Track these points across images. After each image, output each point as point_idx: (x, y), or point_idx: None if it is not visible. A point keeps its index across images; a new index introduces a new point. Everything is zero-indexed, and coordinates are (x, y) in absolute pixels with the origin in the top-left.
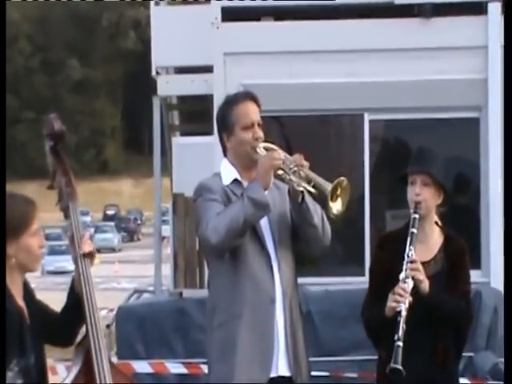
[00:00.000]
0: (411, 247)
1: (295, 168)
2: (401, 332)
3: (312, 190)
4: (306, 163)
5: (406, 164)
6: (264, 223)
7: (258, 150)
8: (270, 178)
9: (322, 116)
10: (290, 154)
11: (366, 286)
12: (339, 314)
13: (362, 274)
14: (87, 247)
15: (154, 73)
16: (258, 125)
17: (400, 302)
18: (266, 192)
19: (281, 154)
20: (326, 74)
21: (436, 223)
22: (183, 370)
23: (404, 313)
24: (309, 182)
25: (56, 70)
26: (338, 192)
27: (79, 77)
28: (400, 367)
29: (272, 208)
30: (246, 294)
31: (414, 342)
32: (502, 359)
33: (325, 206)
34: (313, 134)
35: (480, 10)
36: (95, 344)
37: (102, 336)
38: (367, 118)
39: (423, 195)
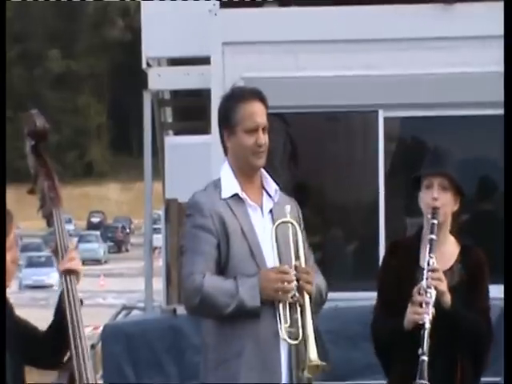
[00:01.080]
0: (431, 255)
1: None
2: (426, 346)
3: (291, 342)
4: (311, 289)
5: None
6: (271, 248)
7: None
8: (272, 297)
9: (331, 113)
10: (295, 158)
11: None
12: (350, 333)
13: (373, 290)
14: (72, 263)
15: (144, 65)
16: (264, 129)
17: (422, 313)
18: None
19: (292, 282)
20: (337, 66)
21: (450, 232)
22: None
23: (428, 325)
24: (301, 311)
25: (35, 63)
26: (315, 369)
27: (61, 70)
28: (427, 383)
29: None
30: (245, 328)
31: (430, 360)
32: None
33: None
34: (321, 133)
35: None
36: (80, 367)
37: (88, 358)
38: (382, 115)
39: (441, 200)
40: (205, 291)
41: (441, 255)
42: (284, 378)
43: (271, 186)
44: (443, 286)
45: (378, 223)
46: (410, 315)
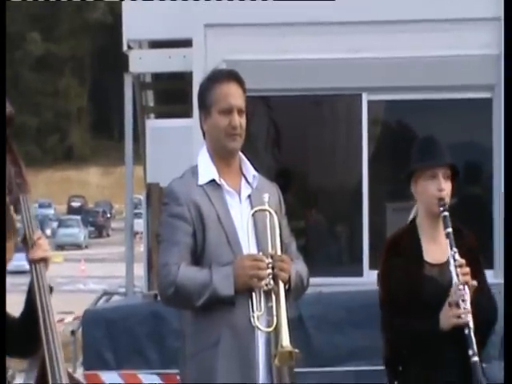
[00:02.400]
0: (454, 249)
1: (270, 278)
2: (474, 346)
3: (264, 329)
4: (286, 276)
5: (410, 150)
6: (247, 235)
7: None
8: (247, 285)
9: (314, 96)
10: (279, 142)
11: (365, 287)
12: (334, 318)
13: (360, 274)
14: (39, 252)
15: (125, 47)
16: (240, 111)
17: (463, 313)
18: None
19: (267, 270)
20: (321, 49)
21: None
22: (158, 382)
23: (472, 325)
24: (277, 299)
25: (14, 45)
26: (286, 356)
27: (41, 52)
28: None
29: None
30: (222, 318)
31: (449, 355)
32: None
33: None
34: (304, 117)
35: None
36: (51, 355)
37: (59, 346)
38: (366, 98)
39: (447, 190)
40: (179, 282)
41: (439, 246)
42: (262, 366)
43: (250, 171)
44: (473, 281)
45: (362, 209)
46: (451, 318)
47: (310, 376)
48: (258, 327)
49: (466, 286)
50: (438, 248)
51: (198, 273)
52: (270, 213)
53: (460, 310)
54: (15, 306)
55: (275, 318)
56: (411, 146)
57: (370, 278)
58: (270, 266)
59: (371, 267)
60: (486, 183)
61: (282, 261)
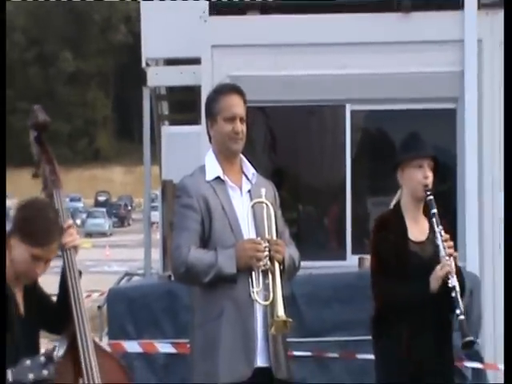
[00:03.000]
0: (440, 227)
1: (266, 259)
2: (461, 306)
3: (262, 302)
4: (280, 257)
5: (388, 153)
6: (247, 223)
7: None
8: (247, 265)
9: (305, 107)
10: (275, 146)
11: (348, 269)
12: (322, 296)
13: (344, 258)
14: (70, 240)
15: (143, 64)
16: (241, 119)
17: (450, 277)
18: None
19: (264, 252)
20: (310, 66)
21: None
22: (172, 350)
23: (458, 288)
24: (273, 277)
25: (50, 63)
26: (280, 324)
27: (72, 69)
28: (473, 338)
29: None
30: (225, 293)
31: (428, 320)
32: (477, 340)
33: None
34: (296, 124)
35: (457, 5)
36: (80, 328)
37: (87, 320)
38: (349, 108)
39: (431, 178)
40: (189, 262)
41: (420, 227)
42: (260, 335)
43: (249, 170)
44: (456, 253)
45: (346, 203)
46: (440, 280)
47: (301, 345)
48: (257, 300)
49: (452, 257)
50: (419, 228)
51: (205, 254)
52: (266, 204)
53: (445, 276)
54: (50, 286)
55: (271, 293)
56: (388, 148)
57: (352, 262)
58: (267, 248)
59: (353, 252)
60: (450, 181)
61: (277, 244)
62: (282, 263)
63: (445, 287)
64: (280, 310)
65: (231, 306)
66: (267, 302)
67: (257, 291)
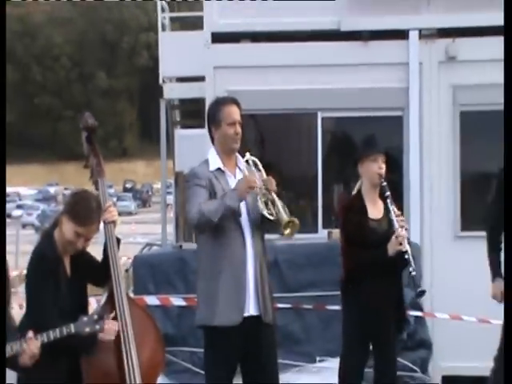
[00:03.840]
0: (393, 206)
1: (265, 190)
2: (413, 264)
3: (271, 218)
4: (274, 188)
5: (351, 151)
6: (242, 206)
7: (247, 158)
8: (246, 193)
9: (286, 114)
10: (263, 146)
11: (319, 240)
12: (299, 261)
13: (316, 232)
14: (110, 216)
15: (161, 82)
16: (239, 123)
17: (403, 243)
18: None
19: (257, 179)
20: (290, 82)
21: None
22: (183, 303)
23: (410, 251)
24: (272, 202)
25: (88, 81)
26: (290, 225)
27: (105, 86)
28: (424, 289)
29: (249, 195)
30: (223, 257)
31: (385, 278)
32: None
33: (279, 225)
34: (280, 127)
35: (403, 36)
36: (116, 282)
37: (122, 278)
38: (320, 115)
39: (384, 169)
40: (202, 209)
41: (377, 208)
42: (251, 289)
43: (242, 163)
44: (407, 225)
45: (318, 190)
46: (397, 246)
47: (283, 299)
48: (266, 216)
49: (404, 229)
50: (377, 208)
51: (213, 200)
52: (253, 161)
53: (401, 241)
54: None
55: (274, 212)
56: (350, 147)
57: (322, 235)
58: (263, 185)
59: (323, 227)
60: (398, 173)
61: (269, 180)
62: (275, 191)
63: (398, 252)
64: (284, 216)
65: (228, 266)
66: (273, 217)
67: (265, 212)
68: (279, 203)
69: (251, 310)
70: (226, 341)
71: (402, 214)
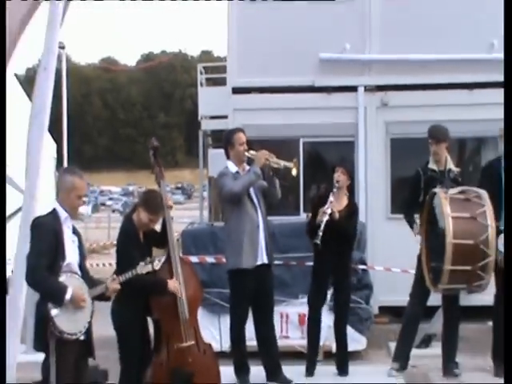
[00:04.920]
0: (331, 198)
1: (270, 158)
2: (322, 226)
3: (288, 165)
4: (271, 154)
5: (321, 164)
6: (253, 188)
7: (248, 154)
8: (264, 163)
9: (280, 140)
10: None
11: (300, 220)
12: (287, 233)
13: (298, 214)
14: (169, 203)
15: (199, 119)
16: (246, 144)
17: (326, 213)
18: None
19: (266, 152)
20: (282, 119)
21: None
22: (213, 260)
23: (325, 221)
24: (276, 163)
25: (153, 118)
26: (294, 167)
27: (163, 121)
28: (319, 241)
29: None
30: (245, 222)
31: (333, 244)
32: (364, 255)
33: (287, 173)
34: (275, 148)
35: (355, 89)
36: (172, 246)
37: (175, 244)
38: (302, 141)
39: (340, 177)
40: (233, 186)
41: (341, 201)
42: (262, 242)
43: (246, 168)
44: (334, 208)
45: (299, 186)
46: (319, 217)
47: (277, 258)
48: (279, 165)
49: (330, 209)
50: (340, 202)
51: (239, 179)
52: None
53: (323, 215)
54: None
55: (282, 166)
56: (323, 161)
57: (303, 216)
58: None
59: (304, 211)
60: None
61: (265, 152)
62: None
63: (350, 224)
64: (288, 164)
65: (247, 229)
66: (281, 167)
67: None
68: (281, 161)
69: (263, 258)
70: (246, 278)
71: (349, 205)
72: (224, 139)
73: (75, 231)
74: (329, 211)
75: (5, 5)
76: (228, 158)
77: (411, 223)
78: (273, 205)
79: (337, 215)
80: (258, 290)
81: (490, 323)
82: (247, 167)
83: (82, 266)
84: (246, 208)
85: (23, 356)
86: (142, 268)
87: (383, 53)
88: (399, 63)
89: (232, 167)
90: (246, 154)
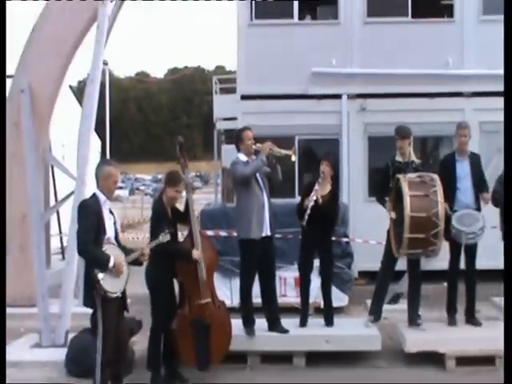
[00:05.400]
0: (317, 187)
1: (273, 148)
2: (308, 211)
3: (288, 152)
4: (273, 145)
5: (313, 156)
6: (259, 174)
7: (254, 147)
8: (268, 152)
9: (279, 137)
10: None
11: (295, 201)
12: (286, 212)
13: (294, 197)
14: (193, 186)
15: (215, 120)
16: (254, 139)
17: (310, 200)
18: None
19: (269, 143)
20: (281, 120)
21: (330, 181)
22: (225, 234)
23: (310, 206)
24: (279, 152)
25: (178, 120)
26: (293, 153)
27: (187, 123)
28: (305, 223)
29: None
30: (254, 202)
31: (318, 223)
32: (346, 230)
33: (287, 160)
34: (274, 144)
35: (340, 97)
36: (193, 223)
37: (196, 219)
38: (297, 138)
39: (325, 169)
40: (243, 169)
41: (325, 187)
42: (267, 218)
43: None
44: (318, 195)
45: (295, 175)
46: (306, 202)
47: (277, 233)
48: (281, 153)
49: (315, 196)
50: (324, 189)
51: (249, 165)
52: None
53: (309, 200)
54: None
55: (283, 154)
56: (314, 154)
57: (298, 199)
58: (275, 147)
59: (299, 195)
60: (338, 168)
61: (269, 143)
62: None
63: (332, 207)
64: (288, 151)
65: (255, 206)
66: (282, 155)
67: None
68: (282, 150)
69: (267, 231)
70: (253, 247)
71: (331, 192)
72: (235, 136)
73: (111, 211)
74: (314, 198)
75: (5, 5)
76: (239, 150)
77: (383, 203)
78: (275, 188)
79: (321, 200)
80: (262, 256)
81: (445, 284)
82: (254, 158)
83: (116, 239)
84: (254, 190)
85: (76, 308)
86: (163, 237)
87: (362, 67)
88: (375, 76)
89: (243, 157)
90: (254, 146)
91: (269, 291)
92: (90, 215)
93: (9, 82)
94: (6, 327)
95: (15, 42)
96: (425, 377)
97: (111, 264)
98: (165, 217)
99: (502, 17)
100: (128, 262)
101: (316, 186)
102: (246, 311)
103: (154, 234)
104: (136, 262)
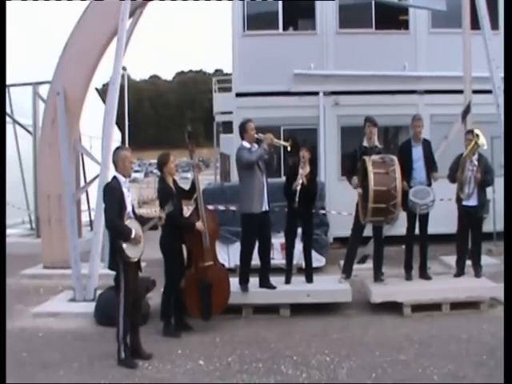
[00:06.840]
0: (301, 171)
1: (273, 139)
2: (298, 194)
3: (286, 144)
4: (274, 137)
5: (296, 145)
6: (260, 162)
7: (257, 136)
8: (270, 142)
9: (268, 127)
10: (257, 142)
11: (282, 181)
12: (275, 190)
13: (280, 177)
14: (198, 165)
15: (214, 114)
16: (255, 130)
17: (298, 184)
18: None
19: (271, 135)
20: (270, 113)
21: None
22: (223, 208)
23: (298, 189)
24: (278, 143)
25: (184, 114)
26: (289, 145)
27: (191, 116)
28: (296, 204)
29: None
30: (256, 182)
31: (301, 199)
32: (324, 203)
33: (284, 150)
34: (264, 133)
35: (317, 93)
36: (200, 200)
37: (201, 197)
38: (282, 128)
39: (304, 154)
40: (249, 156)
41: (306, 169)
42: (265, 196)
43: (255, 146)
44: (304, 178)
45: (281, 160)
46: (294, 185)
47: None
48: (280, 143)
49: (301, 178)
50: (305, 171)
51: (254, 152)
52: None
53: (297, 183)
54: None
55: (281, 144)
56: (297, 143)
57: (283, 179)
58: (275, 139)
59: (284, 175)
60: (316, 154)
61: (270, 135)
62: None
63: (313, 185)
64: (286, 143)
65: (257, 186)
66: (282, 145)
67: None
68: (281, 141)
69: (265, 207)
70: (254, 219)
71: (311, 173)
72: (240, 127)
73: (129, 190)
74: (300, 181)
75: (5, 5)
76: (243, 139)
77: (351, 181)
78: (268, 170)
79: (305, 181)
80: (261, 226)
81: (403, 246)
82: (256, 145)
83: (133, 211)
84: (256, 173)
85: (102, 270)
86: (168, 208)
87: (336, 70)
88: (346, 77)
89: (246, 145)
90: (256, 136)
91: (265, 251)
92: (114, 196)
93: (47, 87)
94: (5, 327)
95: (56, 54)
96: (386, 322)
97: (132, 236)
98: (169, 192)
99: (447, 30)
100: (148, 228)
101: (300, 170)
102: (246, 272)
103: (162, 206)
104: (153, 227)
